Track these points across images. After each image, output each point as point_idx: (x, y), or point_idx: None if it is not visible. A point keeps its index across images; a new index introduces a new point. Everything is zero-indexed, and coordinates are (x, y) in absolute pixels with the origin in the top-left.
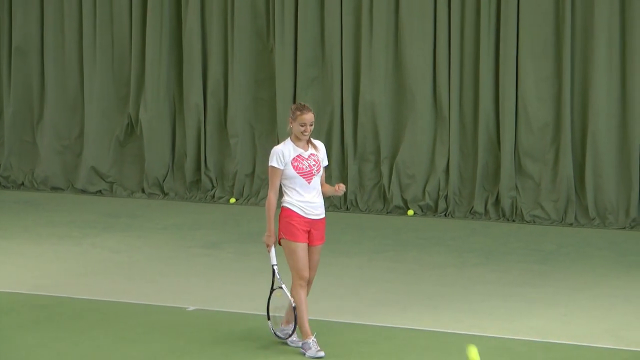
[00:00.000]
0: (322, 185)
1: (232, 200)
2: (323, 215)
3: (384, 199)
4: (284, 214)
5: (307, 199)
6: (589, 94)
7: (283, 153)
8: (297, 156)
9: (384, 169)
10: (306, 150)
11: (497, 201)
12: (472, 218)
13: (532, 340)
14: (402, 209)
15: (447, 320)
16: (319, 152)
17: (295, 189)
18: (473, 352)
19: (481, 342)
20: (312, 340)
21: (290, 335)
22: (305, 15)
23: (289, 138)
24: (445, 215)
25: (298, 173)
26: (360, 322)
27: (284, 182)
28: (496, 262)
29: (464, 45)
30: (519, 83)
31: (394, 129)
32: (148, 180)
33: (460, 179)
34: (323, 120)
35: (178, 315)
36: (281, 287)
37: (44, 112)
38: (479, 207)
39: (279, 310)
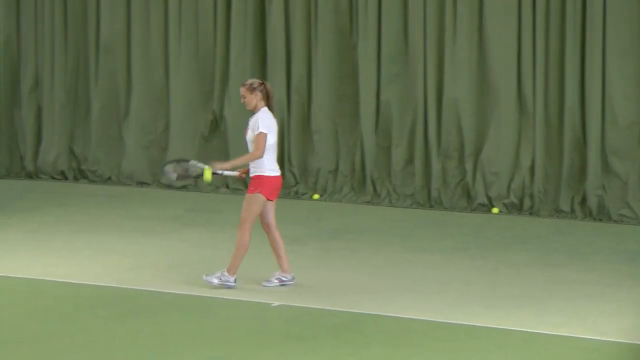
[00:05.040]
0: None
1: (316, 196)
2: (252, 174)
3: (468, 196)
4: None
5: None
6: None
7: None
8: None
9: (468, 166)
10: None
11: (584, 200)
12: (558, 217)
13: (621, 342)
14: (486, 207)
15: (532, 320)
16: (252, 121)
17: None
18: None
19: (568, 342)
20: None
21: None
22: (388, 12)
23: None
24: (530, 213)
25: None
26: (442, 320)
27: None
28: (582, 262)
29: (549, 41)
30: (605, 80)
31: (477, 126)
32: (233, 176)
33: (545, 177)
34: (406, 117)
35: (262, 311)
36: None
37: (130, 107)
38: (564, 205)
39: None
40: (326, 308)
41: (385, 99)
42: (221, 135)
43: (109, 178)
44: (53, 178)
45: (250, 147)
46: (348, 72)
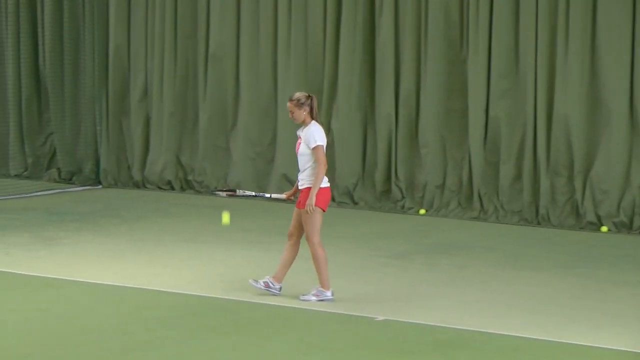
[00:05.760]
0: (315, 164)
1: (422, 211)
2: (300, 187)
3: (577, 214)
4: None
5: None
6: None
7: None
8: (298, 136)
9: (577, 184)
10: (301, 132)
11: None
12: None
13: None
14: (596, 225)
15: None
16: (304, 134)
17: None
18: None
19: None
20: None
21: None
22: (499, 26)
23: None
24: None
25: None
26: (548, 339)
27: None
28: None
29: None
30: None
31: (588, 143)
32: (338, 189)
33: None
34: (515, 133)
35: (366, 325)
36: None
37: (238, 118)
38: None
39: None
40: (431, 324)
41: (495, 114)
42: (328, 149)
43: (215, 188)
44: (160, 188)
45: (302, 160)
46: (457, 86)
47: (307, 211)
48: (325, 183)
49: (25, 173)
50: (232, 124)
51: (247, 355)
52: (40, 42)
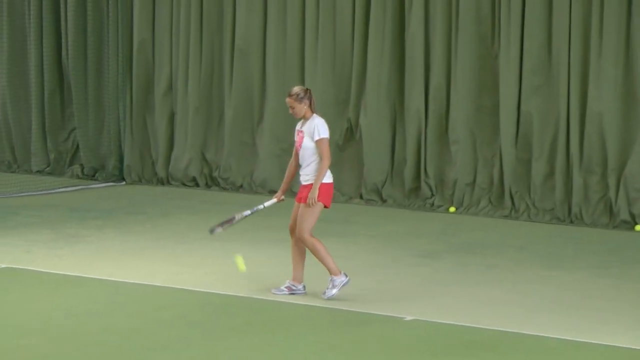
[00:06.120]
0: (320, 157)
1: (452, 209)
2: (304, 183)
3: (610, 212)
4: None
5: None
6: None
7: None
8: (298, 130)
9: (611, 182)
10: (302, 126)
11: None
12: None
13: None
14: (630, 224)
15: None
16: (307, 128)
17: None
18: (240, 262)
19: None
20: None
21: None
22: (531, 20)
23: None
24: None
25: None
26: (579, 340)
27: None
28: None
29: None
30: None
31: (622, 141)
32: (366, 186)
33: None
34: (547, 130)
35: (395, 324)
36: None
37: (264, 114)
38: None
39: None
40: (461, 324)
41: (527, 110)
42: (356, 144)
43: (241, 186)
44: (184, 185)
45: (306, 154)
46: (488, 82)
47: (309, 204)
48: (328, 178)
49: (47, 169)
50: (258, 119)
51: (272, 355)
52: (63, 36)
